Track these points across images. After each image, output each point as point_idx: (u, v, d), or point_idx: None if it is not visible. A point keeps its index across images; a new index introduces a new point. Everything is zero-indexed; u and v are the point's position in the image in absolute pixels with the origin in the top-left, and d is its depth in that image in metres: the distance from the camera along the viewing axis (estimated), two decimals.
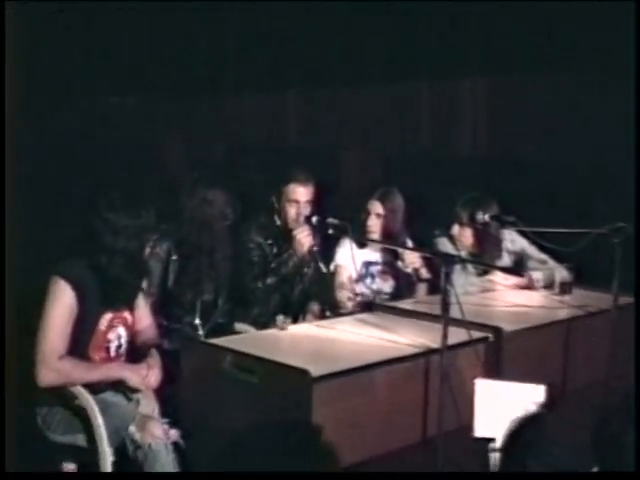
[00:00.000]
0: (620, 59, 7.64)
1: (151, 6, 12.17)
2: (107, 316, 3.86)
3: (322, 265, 4.99)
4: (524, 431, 3.15)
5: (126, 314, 3.97)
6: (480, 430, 3.27)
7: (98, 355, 3.86)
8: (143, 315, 4.12)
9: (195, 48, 12.84)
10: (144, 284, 4.12)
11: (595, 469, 2.47)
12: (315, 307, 5.10)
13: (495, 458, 3.21)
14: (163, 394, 3.90)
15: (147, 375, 3.80)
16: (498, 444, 3.19)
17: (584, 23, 7.93)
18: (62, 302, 3.69)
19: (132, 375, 3.78)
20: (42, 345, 3.66)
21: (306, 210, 4.99)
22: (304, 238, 4.86)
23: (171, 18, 12.72)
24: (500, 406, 3.24)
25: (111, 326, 3.89)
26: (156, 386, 3.81)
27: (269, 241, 5.03)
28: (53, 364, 3.65)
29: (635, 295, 4.89)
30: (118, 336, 3.93)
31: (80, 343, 3.77)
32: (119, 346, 3.94)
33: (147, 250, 4.05)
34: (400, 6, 9.81)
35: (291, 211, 5.00)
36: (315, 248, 4.90)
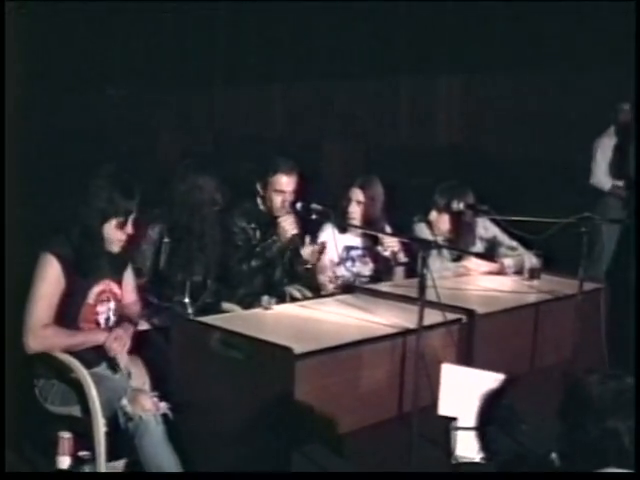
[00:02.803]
0: (588, 57, 7.66)
1: (145, 3, 12.11)
2: (95, 290, 3.88)
3: (302, 252, 5.01)
4: (495, 409, 3.17)
5: (115, 289, 3.99)
6: (444, 409, 3.29)
7: (87, 327, 3.89)
8: (130, 291, 4.15)
9: (186, 43, 12.79)
10: (136, 264, 4.14)
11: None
12: (295, 292, 5.08)
13: (455, 436, 3.24)
14: (154, 368, 3.90)
15: (114, 338, 3.82)
16: (459, 423, 3.23)
17: (559, 21, 7.94)
18: (48, 275, 3.73)
19: (105, 338, 3.81)
20: (29, 315, 3.72)
21: (291, 198, 4.99)
22: (288, 226, 4.88)
23: (163, 15, 12.67)
24: (463, 389, 3.26)
25: (100, 300, 3.92)
26: (121, 352, 3.81)
27: (252, 225, 5.03)
28: (38, 332, 3.71)
29: (636, 292, 4.93)
30: (107, 309, 3.96)
31: (69, 315, 3.81)
32: (107, 318, 3.97)
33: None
34: (382, 6, 9.80)
35: (277, 200, 5.00)
36: (296, 231, 4.91)
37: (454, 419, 3.26)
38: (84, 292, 3.85)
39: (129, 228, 3.91)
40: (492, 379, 3.26)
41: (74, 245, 3.79)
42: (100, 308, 3.92)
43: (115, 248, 3.93)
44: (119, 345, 3.82)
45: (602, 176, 7.32)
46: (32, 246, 3.90)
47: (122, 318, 4.03)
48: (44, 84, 12.90)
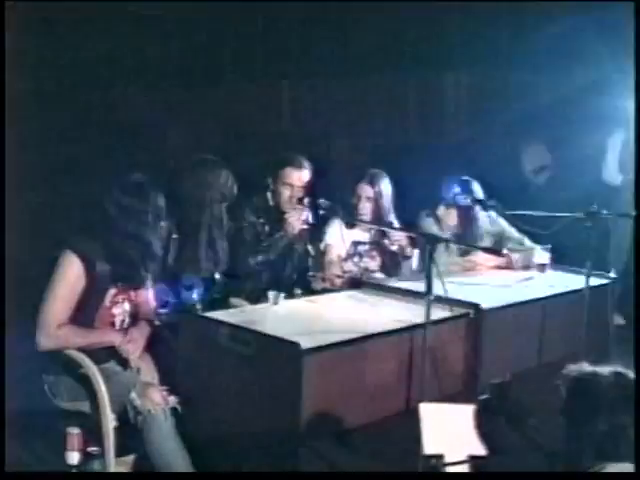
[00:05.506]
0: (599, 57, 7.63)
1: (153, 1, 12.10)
2: (111, 292, 3.83)
3: (310, 248, 5.00)
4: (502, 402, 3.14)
5: (131, 291, 3.95)
6: (429, 448, 3.23)
7: (103, 328, 3.85)
8: (144, 290, 4.10)
9: (195, 39, 12.78)
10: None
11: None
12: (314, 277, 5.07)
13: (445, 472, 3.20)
14: (162, 364, 3.89)
15: (129, 340, 3.79)
16: (446, 460, 3.18)
17: (560, 20, 7.90)
18: (69, 274, 3.67)
19: (120, 340, 3.79)
20: (44, 313, 3.66)
21: (299, 194, 4.96)
22: (295, 221, 4.87)
23: (172, 12, 12.66)
24: (444, 426, 3.21)
25: (115, 302, 3.87)
26: (134, 354, 3.79)
27: (261, 220, 5.01)
28: (52, 332, 3.65)
29: (635, 290, 4.91)
30: (123, 311, 3.92)
31: (86, 316, 3.76)
32: (123, 320, 3.93)
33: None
34: (389, 1, 9.78)
35: (285, 194, 4.97)
36: (305, 226, 4.90)
37: (441, 456, 3.20)
38: (102, 294, 3.80)
39: None
40: (469, 411, 3.21)
41: (110, 252, 3.74)
42: (115, 310, 3.88)
43: None
44: (133, 346, 3.79)
45: (613, 172, 7.33)
46: (49, 244, 3.87)
47: (137, 317, 4.00)
48: (53, 81, 12.89)
